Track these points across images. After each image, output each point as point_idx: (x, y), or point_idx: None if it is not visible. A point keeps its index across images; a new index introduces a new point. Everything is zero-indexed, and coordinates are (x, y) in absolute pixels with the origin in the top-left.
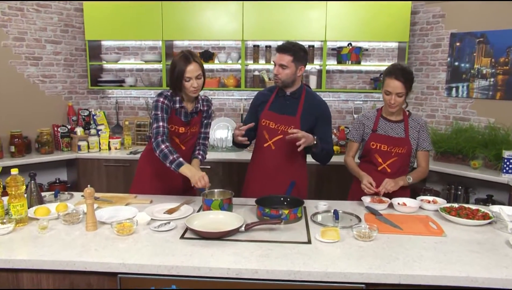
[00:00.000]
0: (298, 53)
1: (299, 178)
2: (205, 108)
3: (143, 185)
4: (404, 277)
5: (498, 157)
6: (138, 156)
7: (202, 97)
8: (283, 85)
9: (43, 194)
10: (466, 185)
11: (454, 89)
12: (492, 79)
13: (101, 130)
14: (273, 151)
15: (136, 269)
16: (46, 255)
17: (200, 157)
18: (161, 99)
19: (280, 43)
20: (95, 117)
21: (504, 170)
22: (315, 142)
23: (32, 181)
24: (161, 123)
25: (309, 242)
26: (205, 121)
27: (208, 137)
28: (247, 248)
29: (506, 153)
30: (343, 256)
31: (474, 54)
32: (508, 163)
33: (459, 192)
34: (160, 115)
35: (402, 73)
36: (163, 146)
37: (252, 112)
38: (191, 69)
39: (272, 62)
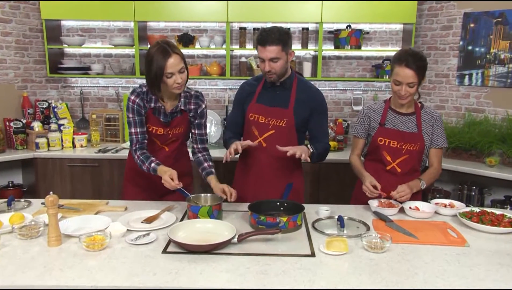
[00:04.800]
0: (284, 38)
1: (296, 179)
2: (193, 106)
3: (133, 188)
4: None
5: None
6: (108, 154)
7: (192, 92)
8: (278, 79)
9: None
10: (480, 184)
11: (466, 76)
12: (510, 65)
13: (63, 124)
14: (264, 149)
15: None
16: None
17: (213, 169)
18: (132, 98)
19: (269, 25)
20: (56, 109)
21: None
22: (311, 151)
23: None
24: (133, 130)
25: (312, 254)
26: (196, 122)
27: (206, 139)
28: (242, 263)
29: None
30: (353, 271)
31: (491, 36)
32: None
33: (473, 193)
34: (131, 118)
35: (414, 60)
36: (135, 157)
37: (238, 106)
38: (172, 63)
39: (255, 59)
